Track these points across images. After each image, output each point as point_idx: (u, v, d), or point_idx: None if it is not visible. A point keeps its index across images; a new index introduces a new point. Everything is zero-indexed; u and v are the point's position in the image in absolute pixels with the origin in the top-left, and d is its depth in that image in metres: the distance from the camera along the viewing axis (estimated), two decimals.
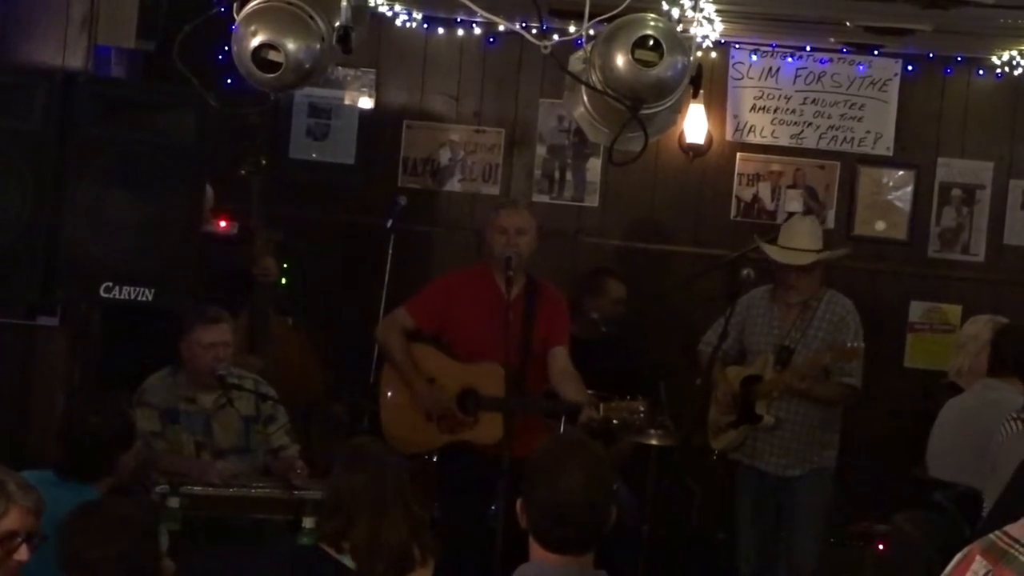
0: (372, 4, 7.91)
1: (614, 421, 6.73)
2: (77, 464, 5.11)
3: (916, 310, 8.62)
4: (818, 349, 7.13)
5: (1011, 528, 2.34)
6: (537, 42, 4.54)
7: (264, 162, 7.10)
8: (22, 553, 4.19)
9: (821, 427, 7.22)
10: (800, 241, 7.30)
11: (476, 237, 7.13)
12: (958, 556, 2.38)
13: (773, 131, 8.66)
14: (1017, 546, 2.31)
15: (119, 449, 5.21)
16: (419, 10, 8.48)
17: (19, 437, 5.94)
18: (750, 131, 8.68)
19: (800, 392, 7.07)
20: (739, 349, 7.39)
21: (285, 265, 7.70)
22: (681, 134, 8.53)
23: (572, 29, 5.64)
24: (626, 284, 8.13)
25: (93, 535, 4.16)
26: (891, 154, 8.64)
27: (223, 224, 7.26)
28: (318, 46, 4.50)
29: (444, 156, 8.78)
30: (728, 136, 8.68)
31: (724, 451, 7.36)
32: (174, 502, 5.82)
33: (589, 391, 6.74)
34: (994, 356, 6.57)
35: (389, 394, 7.02)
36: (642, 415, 6.74)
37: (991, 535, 2.37)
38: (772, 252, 7.30)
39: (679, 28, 4.91)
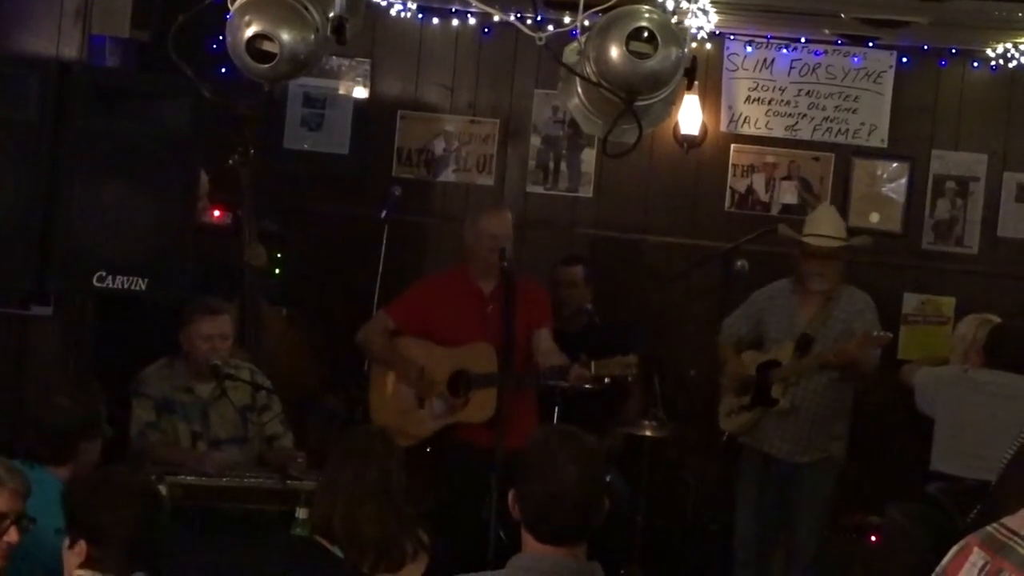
0: None
1: (607, 380, 6.73)
2: (46, 447, 5.01)
3: (910, 302, 8.62)
4: (837, 340, 7.11)
5: (1009, 520, 2.35)
6: (532, 33, 4.53)
7: (252, 151, 7.08)
8: (12, 535, 4.22)
9: (834, 415, 7.21)
10: (828, 228, 7.31)
11: None
12: (955, 548, 2.39)
13: (768, 123, 8.65)
14: (1016, 538, 2.32)
15: (85, 436, 5.10)
16: (414, 0, 8.46)
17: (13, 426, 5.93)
18: (745, 122, 8.67)
19: (837, 363, 7.04)
20: (756, 338, 7.39)
21: (279, 255, 7.69)
22: (676, 125, 8.53)
23: (567, 20, 5.64)
24: (581, 264, 8.09)
25: (105, 499, 4.12)
26: (885, 146, 8.64)
27: (217, 214, 7.26)
28: (312, 37, 4.49)
29: (438, 146, 8.76)
30: (723, 127, 8.67)
31: (734, 434, 7.35)
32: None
33: None
34: (988, 355, 6.64)
35: (378, 384, 7.07)
36: (634, 370, 6.74)
37: (988, 527, 2.38)
38: (806, 239, 7.29)
39: (674, 19, 4.90)
